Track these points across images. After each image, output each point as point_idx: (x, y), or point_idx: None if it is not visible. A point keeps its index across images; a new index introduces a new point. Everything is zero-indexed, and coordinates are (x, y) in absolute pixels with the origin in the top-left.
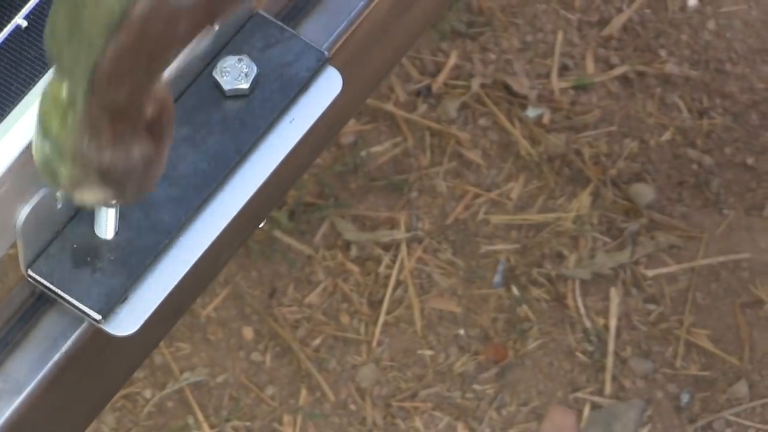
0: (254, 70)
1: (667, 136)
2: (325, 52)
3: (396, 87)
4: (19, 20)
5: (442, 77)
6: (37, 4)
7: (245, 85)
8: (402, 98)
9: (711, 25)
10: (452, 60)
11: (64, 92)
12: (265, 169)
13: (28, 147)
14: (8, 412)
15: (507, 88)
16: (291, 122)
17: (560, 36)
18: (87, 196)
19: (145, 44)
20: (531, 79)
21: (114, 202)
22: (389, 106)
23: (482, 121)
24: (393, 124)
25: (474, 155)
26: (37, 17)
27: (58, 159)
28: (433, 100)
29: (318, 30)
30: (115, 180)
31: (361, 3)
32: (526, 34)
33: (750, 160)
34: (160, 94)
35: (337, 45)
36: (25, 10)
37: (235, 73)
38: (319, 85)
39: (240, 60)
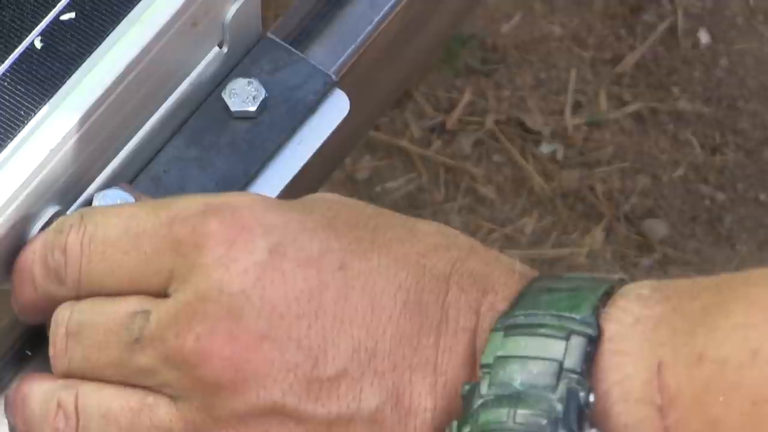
0: (262, 93)
1: (679, 172)
2: (333, 76)
3: (410, 123)
4: (35, 39)
5: (456, 114)
6: (50, 24)
7: (252, 108)
8: (416, 134)
9: (723, 62)
10: (466, 97)
11: None
12: (271, 192)
13: (38, 168)
14: None
15: (521, 124)
16: (298, 144)
17: (573, 73)
18: None
19: None
20: (545, 116)
21: None
22: (404, 143)
23: (496, 157)
24: (407, 160)
25: (488, 191)
26: (51, 37)
27: None
28: (448, 136)
29: (326, 53)
30: None
31: (369, 27)
32: (539, 71)
33: (762, 196)
34: None
35: (345, 69)
36: (39, 29)
37: (244, 96)
38: (327, 108)
39: (250, 83)
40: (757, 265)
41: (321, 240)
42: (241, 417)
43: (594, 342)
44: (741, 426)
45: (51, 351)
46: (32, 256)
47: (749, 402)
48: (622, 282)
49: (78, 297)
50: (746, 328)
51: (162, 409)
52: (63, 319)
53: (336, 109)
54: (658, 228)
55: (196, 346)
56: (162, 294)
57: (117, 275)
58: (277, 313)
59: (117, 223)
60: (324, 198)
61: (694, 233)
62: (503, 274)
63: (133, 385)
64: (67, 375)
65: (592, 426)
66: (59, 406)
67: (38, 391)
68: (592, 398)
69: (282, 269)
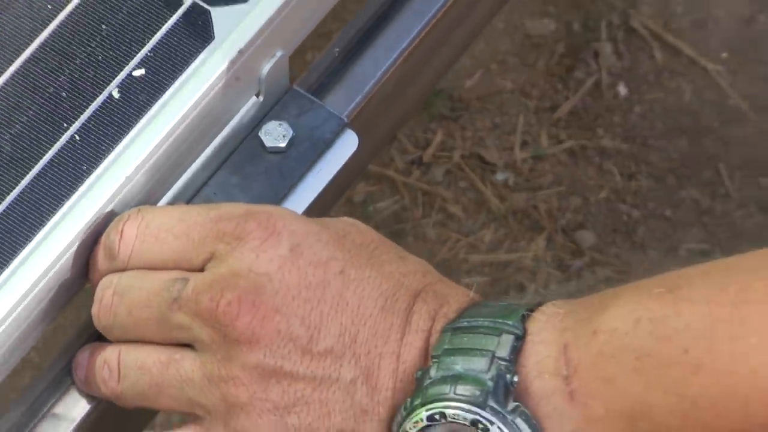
0: (290, 133)
1: (603, 194)
2: (345, 119)
3: (395, 157)
4: (113, 91)
5: (431, 150)
6: (125, 78)
7: (283, 144)
8: (400, 166)
9: (637, 109)
10: (439, 137)
11: None
12: (297, 210)
13: (117, 191)
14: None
15: (481, 158)
16: (318, 173)
17: (521, 118)
18: None
19: None
20: (499, 151)
21: None
22: (390, 172)
23: (462, 184)
24: (393, 186)
25: (456, 209)
26: (126, 89)
27: None
28: (424, 167)
29: (339, 101)
30: None
31: (373, 81)
32: (495, 116)
33: (668, 212)
34: None
35: (354, 113)
36: (116, 82)
37: (276, 134)
38: (340, 144)
39: (280, 124)
40: (662, 265)
41: (330, 250)
42: (249, 370)
43: (520, 339)
44: (629, 379)
45: (95, 309)
46: (99, 244)
47: (634, 358)
48: (543, 301)
49: (123, 270)
50: (631, 305)
51: (186, 362)
52: (110, 282)
53: (347, 145)
54: (587, 238)
55: (227, 309)
56: (198, 271)
57: (165, 253)
58: (290, 294)
59: (172, 215)
60: (344, 221)
61: (614, 241)
62: (458, 294)
63: (165, 344)
64: (110, 328)
65: (515, 400)
66: (105, 362)
67: (97, 353)
68: (516, 378)
69: (298, 264)
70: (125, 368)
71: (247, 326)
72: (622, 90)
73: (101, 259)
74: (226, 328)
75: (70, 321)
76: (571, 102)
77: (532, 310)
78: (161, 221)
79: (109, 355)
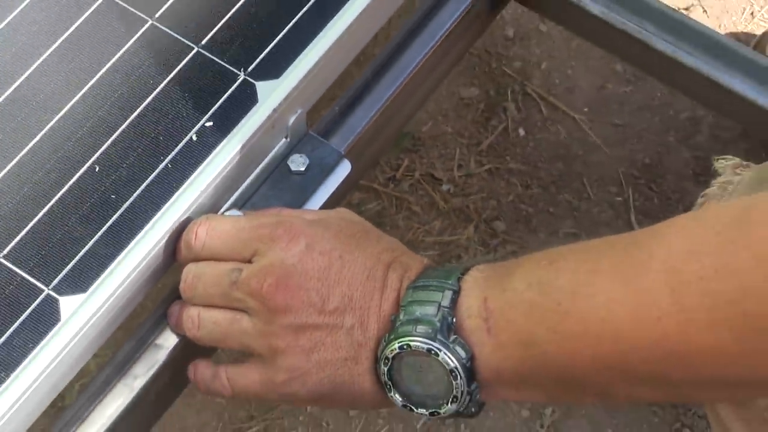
0: (307, 161)
1: (510, 198)
2: (342, 152)
3: (378, 175)
4: (192, 135)
5: (401, 171)
6: (200, 127)
7: (303, 169)
8: (381, 181)
9: (531, 144)
10: (405, 162)
11: None
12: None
13: (196, 198)
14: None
15: (432, 176)
16: (325, 187)
17: (458, 150)
18: None
19: None
20: (444, 171)
21: None
22: (375, 185)
23: (420, 192)
24: (377, 194)
25: (417, 209)
26: (201, 135)
27: None
28: (397, 182)
29: (338, 141)
30: None
31: (360, 127)
32: (441, 149)
33: (551, 209)
34: None
35: (348, 148)
36: (195, 129)
37: (298, 162)
38: (339, 169)
39: (301, 156)
40: (548, 243)
41: (331, 243)
42: (285, 328)
43: (457, 293)
44: (524, 320)
45: (182, 285)
46: (181, 239)
47: (528, 306)
48: (472, 265)
49: (197, 259)
50: (526, 272)
51: (244, 322)
52: (190, 269)
53: (344, 169)
54: (500, 226)
55: (269, 289)
56: (247, 261)
57: (224, 248)
58: (308, 276)
59: (228, 222)
60: (339, 216)
61: (517, 228)
62: (417, 262)
63: (229, 308)
64: (191, 298)
65: (454, 334)
66: (189, 317)
67: (183, 310)
68: (454, 320)
69: (312, 256)
70: (203, 321)
71: (282, 300)
72: (522, 132)
73: (183, 248)
74: (268, 301)
75: (172, 281)
76: (489, 140)
77: (464, 274)
78: (221, 226)
79: (192, 313)
